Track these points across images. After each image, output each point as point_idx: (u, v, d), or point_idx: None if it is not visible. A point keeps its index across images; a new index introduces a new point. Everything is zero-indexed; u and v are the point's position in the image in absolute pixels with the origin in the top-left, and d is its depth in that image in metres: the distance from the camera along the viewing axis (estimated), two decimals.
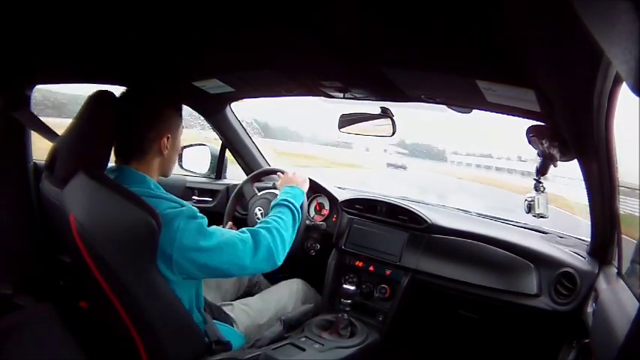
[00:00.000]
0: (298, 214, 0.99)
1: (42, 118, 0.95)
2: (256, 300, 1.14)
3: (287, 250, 0.91)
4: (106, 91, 0.80)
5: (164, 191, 0.83)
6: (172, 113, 0.88)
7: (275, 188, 1.36)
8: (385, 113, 1.24)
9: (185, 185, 1.60)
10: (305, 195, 1.09)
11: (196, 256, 0.78)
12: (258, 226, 0.90)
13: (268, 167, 1.56)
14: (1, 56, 0.87)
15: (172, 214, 0.77)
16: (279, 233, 0.89)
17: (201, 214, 0.82)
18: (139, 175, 0.83)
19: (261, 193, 1.35)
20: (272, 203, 1.01)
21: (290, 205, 0.98)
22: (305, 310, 1.13)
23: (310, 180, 1.44)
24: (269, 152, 1.87)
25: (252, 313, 1.08)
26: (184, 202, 0.83)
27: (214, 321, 0.95)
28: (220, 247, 0.80)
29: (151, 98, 0.87)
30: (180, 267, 0.78)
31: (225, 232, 0.84)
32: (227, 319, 1.01)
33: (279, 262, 0.89)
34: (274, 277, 1.36)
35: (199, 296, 0.89)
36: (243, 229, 0.88)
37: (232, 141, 1.61)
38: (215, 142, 1.69)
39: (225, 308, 1.05)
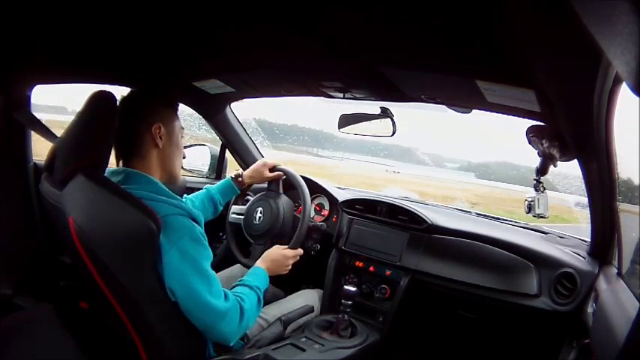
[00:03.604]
0: (261, 304, 0.92)
1: None
2: (274, 311, 1.10)
3: (241, 335, 0.88)
4: (106, 92, 0.79)
5: (171, 194, 0.81)
6: (162, 105, 0.88)
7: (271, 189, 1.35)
8: (385, 113, 1.24)
9: (185, 185, 1.59)
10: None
11: (176, 286, 0.76)
12: (236, 297, 0.85)
13: (295, 175, 1.54)
14: (1, 56, 0.87)
15: (174, 226, 0.75)
16: (247, 319, 0.85)
17: (205, 241, 0.80)
18: (141, 176, 0.82)
19: (260, 194, 1.34)
20: (244, 280, 0.93)
21: (260, 294, 0.92)
22: (305, 310, 1.13)
23: (310, 180, 1.44)
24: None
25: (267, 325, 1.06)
26: (192, 210, 0.80)
27: None
28: (201, 299, 0.77)
29: (140, 92, 0.88)
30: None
31: (215, 284, 0.80)
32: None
33: (230, 344, 0.86)
34: (293, 284, 1.35)
35: None
36: (229, 294, 0.83)
37: (232, 141, 1.61)
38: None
39: None
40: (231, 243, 1.28)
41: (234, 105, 1.53)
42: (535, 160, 0.99)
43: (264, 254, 1.05)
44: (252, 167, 1.26)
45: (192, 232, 0.78)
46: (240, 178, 1.24)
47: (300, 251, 1.12)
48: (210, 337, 0.85)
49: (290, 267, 1.08)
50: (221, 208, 1.22)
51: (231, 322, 0.81)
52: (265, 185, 1.57)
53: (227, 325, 0.81)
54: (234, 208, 1.30)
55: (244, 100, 1.46)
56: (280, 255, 1.06)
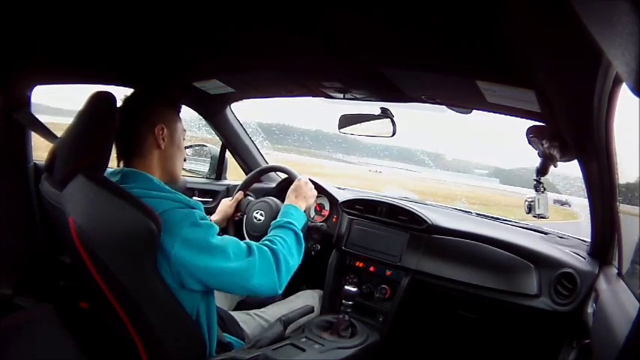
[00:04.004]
0: (302, 241, 0.91)
1: None
2: (275, 311, 1.10)
3: (289, 277, 0.85)
4: (106, 92, 0.79)
5: (167, 188, 0.81)
6: (164, 106, 0.88)
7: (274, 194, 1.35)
8: (385, 113, 1.24)
9: (185, 186, 1.60)
10: (306, 219, 1.01)
11: (196, 272, 0.76)
12: (263, 243, 0.85)
13: (266, 166, 1.55)
14: (1, 56, 0.87)
15: (173, 220, 0.75)
16: (285, 260, 0.83)
17: (207, 221, 0.79)
18: (138, 174, 0.82)
19: (260, 198, 1.33)
20: (274, 222, 0.94)
21: (295, 229, 0.92)
22: (305, 311, 1.13)
23: (310, 180, 1.44)
24: None
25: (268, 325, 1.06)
26: (189, 200, 0.80)
27: (224, 334, 0.95)
28: (223, 269, 0.77)
29: (141, 93, 0.88)
30: (179, 277, 0.76)
31: (232, 246, 0.79)
32: (239, 333, 1.00)
33: (280, 292, 0.84)
34: (293, 285, 1.35)
35: (208, 307, 0.86)
36: (252, 245, 0.82)
37: (232, 142, 1.61)
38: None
39: (238, 318, 1.04)
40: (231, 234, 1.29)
41: (236, 105, 1.53)
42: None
43: (287, 195, 1.06)
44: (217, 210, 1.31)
45: (190, 218, 0.77)
46: None
47: (307, 176, 1.15)
48: (258, 296, 0.84)
49: (312, 186, 1.10)
50: None
51: (263, 272, 0.80)
52: (264, 185, 1.58)
53: (261, 277, 0.79)
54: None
55: (255, 101, 1.46)
56: (296, 185, 1.08)
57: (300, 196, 1.05)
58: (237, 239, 0.82)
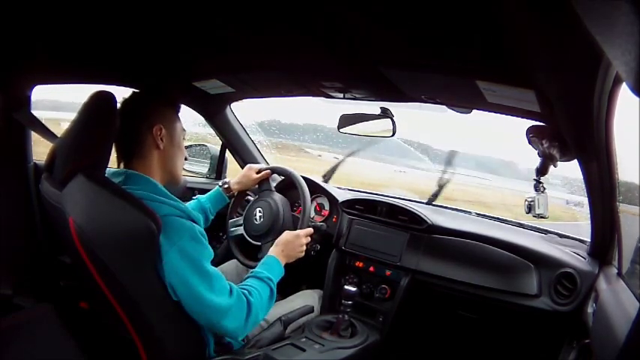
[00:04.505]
0: (274, 297, 0.91)
1: None
2: (275, 311, 1.09)
3: (253, 329, 0.87)
4: (106, 92, 0.80)
5: (170, 195, 0.81)
6: (163, 106, 0.88)
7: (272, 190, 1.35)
8: (385, 113, 1.24)
9: (185, 186, 1.60)
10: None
11: (177, 284, 0.76)
12: (242, 291, 0.84)
13: (296, 174, 1.54)
14: (1, 56, 0.87)
15: (173, 226, 0.75)
16: (256, 313, 0.84)
17: (205, 240, 0.80)
18: (140, 177, 0.82)
19: (257, 196, 1.31)
20: (255, 271, 0.93)
21: (272, 286, 0.91)
22: (305, 311, 1.13)
23: (310, 180, 1.44)
24: None
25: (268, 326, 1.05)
26: (191, 211, 0.81)
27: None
28: (203, 298, 0.77)
29: (142, 93, 0.89)
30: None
31: (218, 280, 0.80)
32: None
33: (240, 339, 0.86)
34: (293, 285, 1.34)
35: None
36: (234, 289, 0.83)
37: (232, 141, 1.61)
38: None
39: None
40: (238, 255, 1.24)
41: (236, 105, 1.53)
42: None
43: (276, 241, 1.03)
44: (240, 174, 1.28)
45: (191, 231, 0.78)
46: (226, 186, 1.24)
47: (311, 230, 1.11)
48: (217, 333, 0.85)
49: (304, 247, 1.06)
50: (212, 217, 1.22)
51: (235, 317, 0.81)
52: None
53: (232, 321, 0.80)
54: (231, 222, 1.29)
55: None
56: (291, 235, 1.04)
57: (287, 250, 1.01)
58: (223, 276, 0.82)
